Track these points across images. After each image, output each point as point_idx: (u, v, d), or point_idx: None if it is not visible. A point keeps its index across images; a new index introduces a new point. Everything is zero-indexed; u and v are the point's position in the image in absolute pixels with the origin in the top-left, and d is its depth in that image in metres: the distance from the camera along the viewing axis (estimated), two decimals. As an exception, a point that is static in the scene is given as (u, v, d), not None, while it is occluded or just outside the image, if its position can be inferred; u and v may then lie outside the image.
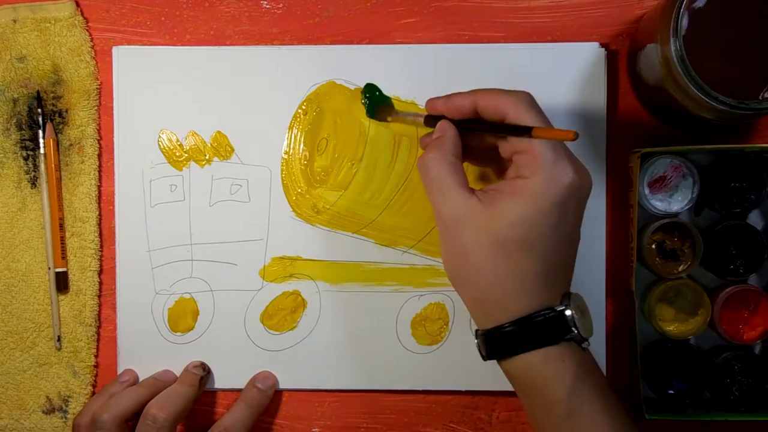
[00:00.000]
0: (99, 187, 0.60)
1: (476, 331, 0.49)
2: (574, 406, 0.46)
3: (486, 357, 0.48)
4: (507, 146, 0.48)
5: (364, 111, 0.59)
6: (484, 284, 0.47)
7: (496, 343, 0.47)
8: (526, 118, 0.47)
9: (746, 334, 0.57)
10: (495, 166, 0.53)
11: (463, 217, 0.47)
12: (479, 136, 0.51)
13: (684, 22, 0.50)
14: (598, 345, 0.59)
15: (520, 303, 0.46)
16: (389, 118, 0.58)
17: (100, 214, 0.60)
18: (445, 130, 0.50)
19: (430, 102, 0.52)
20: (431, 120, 0.52)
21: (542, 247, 0.46)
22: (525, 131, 0.45)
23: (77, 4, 0.59)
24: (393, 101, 0.59)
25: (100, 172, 0.60)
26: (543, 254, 0.46)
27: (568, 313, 0.46)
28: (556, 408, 0.46)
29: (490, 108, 0.48)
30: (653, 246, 0.58)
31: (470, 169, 0.57)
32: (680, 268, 0.57)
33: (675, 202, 0.57)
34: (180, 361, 0.59)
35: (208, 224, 0.59)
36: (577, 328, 0.46)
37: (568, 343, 0.47)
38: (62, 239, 0.59)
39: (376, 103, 0.58)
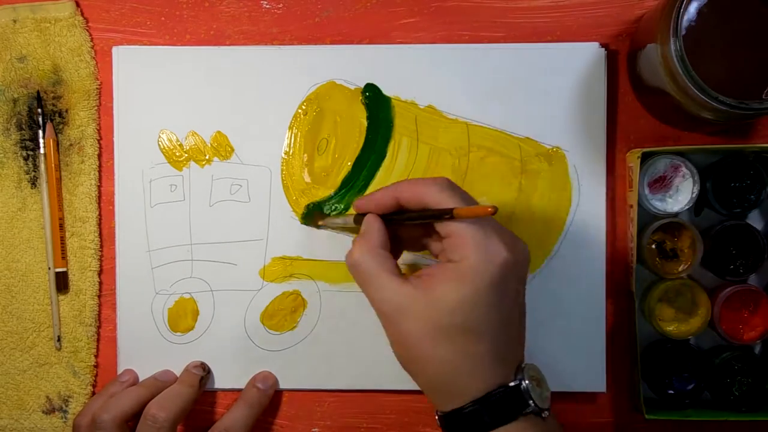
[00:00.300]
0: (99, 187, 0.60)
1: (436, 412, 0.48)
2: None
3: None
4: (437, 233, 0.48)
5: (364, 111, 0.59)
6: (434, 371, 0.46)
7: (456, 426, 0.46)
8: (447, 202, 0.46)
9: (746, 334, 0.57)
10: (432, 248, 0.53)
11: (401, 306, 0.46)
12: (410, 226, 0.51)
13: (684, 22, 0.50)
14: (598, 345, 0.59)
15: (474, 384, 0.45)
16: (320, 222, 0.59)
17: (100, 214, 0.60)
18: (370, 223, 0.50)
19: (355, 202, 0.52)
20: (359, 218, 0.52)
21: (486, 327, 0.45)
22: (445, 213, 0.45)
23: (77, 4, 0.59)
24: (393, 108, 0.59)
25: (100, 172, 0.60)
26: (488, 334, 0.45)
27: (523, 385, 0.46)
28: None
29: (410, 199, 0.48)
30: (653, 246, 0.58)
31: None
32: (680, 268, 0.57)
33: (675, 202, 0.57)
34: (180, 361, 0.59)
35: (208, 224, 0.59)
36: (533, 400, 0.46)
37: (527, 418, 0.46)
38: (62, 239, 0.59)
39: (311, 213, 0.59)
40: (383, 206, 0.50)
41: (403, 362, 0.48)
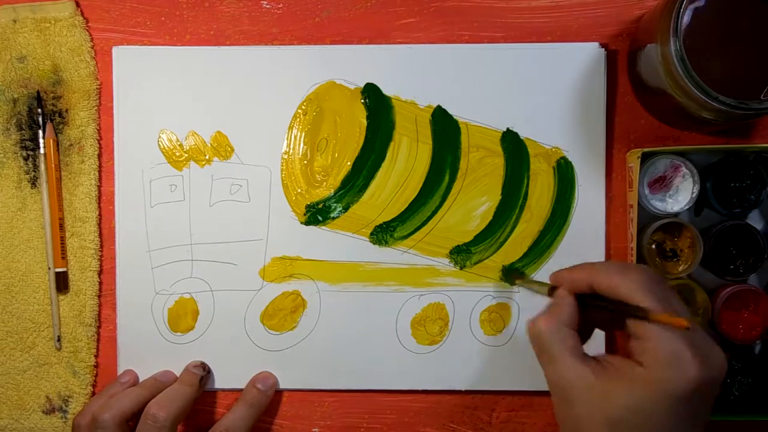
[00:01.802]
0: (99, 187, 0.60)
1: None
2: None
3: None
4: (627, 327, 0.45)
5: (364, 111, 0.59)
6: None
7: None
8: (642, 300, 0.43)
9: (746, 334, 0.57)
10: (621, 337, 0.50)
11: (575, 388, 0.44)
12: (600, 310, 0.49)
13: (684, 22, 0.50)
14: (598, 344, 0.59)
15: None
16: (517, 282, 0.59)
17: (100, 214, 0.60)
18: (562, 298, 0.47)
19: (553, 274, 0.50)
20: (553, 291, 0.50)
21: None
22: (639, 312, 0.43)
23: (77, 4, 0.59)
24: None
25: (100, 172, 0.60)
26: None
27: None
28: None
29: (605, 288, 0.46)
30: (653, 246, 0.58)
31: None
32: (680, 268, 0.57)
33: (675, 202, 0.57)
34: (180, 361, 0.59)
35: (208, 224, 0.59)
36: None
37: None
38: (62, 239, 0.59)
39: (510, 272, 0.59)
40: (577, 287, 0.48)
41: None
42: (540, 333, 0.46)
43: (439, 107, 0.59)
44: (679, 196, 0.57)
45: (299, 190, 0.59)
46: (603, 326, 0.50)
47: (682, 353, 0.42)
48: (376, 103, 0.59)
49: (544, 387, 0.59)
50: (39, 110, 0.59)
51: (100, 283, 0.60)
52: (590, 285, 0.47)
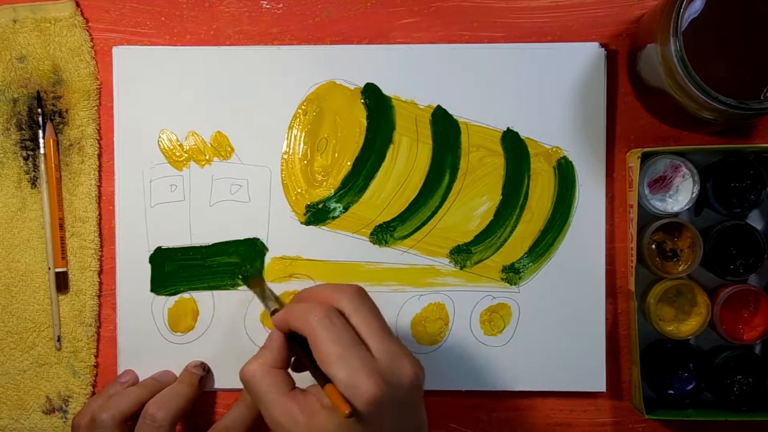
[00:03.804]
0: (99, 187, 0.60)
1: None
2: None
3: None
4: None
5: (364, 111, 0.59)
6: None
7: None
8: (318, 342, 0.46)
9: (746, 334, 0.57)
10: None
11: (285, 427, 0.46)
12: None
13: (684, 22, 0.50)
14: (598, 345, 0.59)
15: None
16: (255, 289, 0.58)
17: (100, 214, 0.60)
18: (272, 339, 0.50)
19: (281, 311, 0.51)
20: (274, 313, 0.52)
21: None
22: (322, 380, 0.46)
23: (77, 4, 0.59)
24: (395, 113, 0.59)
25: (100, 172, 0.60)
26: None
27: None
28: None
29: (298, 330, 0.48)
30: (653, 246, 0.58)
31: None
32: (680, 268, 0.57)
33: (675, 202, 0.57)
34: (180, 361, 0.59)
35: (208, 224, 0.59)
36: None
37: None
38: (62, 239, 0.59)
39: (252, 275, 0.59)
40: (282, 328, 0.50)
41: None
42: (250, 379, 0.49)
43: (439, 107, 0.59)
44: (679, 196, 0.57)
45: (299, 190, 0.59)
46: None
47: (358, 375, 0.44)
48: (376, 103, 0.59)
49: (544, 387, 0.59)
50: (39, 110, 0.59)
51: (100, 283, 0.60)
52: (290, 327, 0.49)
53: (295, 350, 0.50)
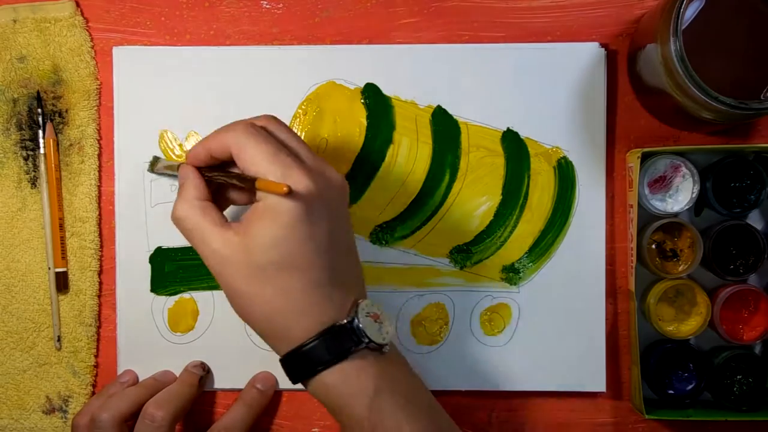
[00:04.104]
0: (99, 187, 0.60)
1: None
2: (376, 422, 0.45)
3: (292, 381, 0.47)
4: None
5: (364, 111, 0.59)
6: (261, 314, 0.46)
7: (293, 367, 0.46)
8: (247, 148, 0.46)
9: (746, 334, 0.57)
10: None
11: (225, 255, 0.45)
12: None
13: (684, 22, 0.50)
14: (598, 345, 0.59)
15: (303, 323, 0.45)
16: (154, 170, 0.58)
17: (100, 214, 0.60)
18: (184, 175, 0.49)
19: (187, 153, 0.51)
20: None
21: (303, 261, 0.45)
22: (248, 182, 0.45)
23: (77, 4, 0.59)
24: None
25: (100, 172, 0.60)
26: (308, 269, 0.45)
27: (356, 322, 0.45)
28: (362, 425, 0.45)
29: (218, 150, 0.47)
30: (653, 246, 0.58)
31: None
32: (680, 268, 0.57)
33: (675, 202, 0.57)
34: (180, 361, 0.59)
35: (208, 224, 0.59)
36: (368, 337, 0.45)
37: (364, 354, 0.46)
38: (62, 239, 0.59)
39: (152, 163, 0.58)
40: (198, 158, 0.49)
41: (239, 314, 0.47)
42: (180, 218, 0.48)
43: (439, 107, 0.59)
44: (679, 196, 0.57)
45: (299, 190, 0.59)
46: (236, 199, 0.51)
47: (290, 171, 0.44)
48: (376, 103, 0.59)
49: (544, 387, 0.59)
50: (39, 110, 0.59)
51: (100, 283, 0.60)
52: (208, 152, 0.48)
53: (215, 175, 0.48)
